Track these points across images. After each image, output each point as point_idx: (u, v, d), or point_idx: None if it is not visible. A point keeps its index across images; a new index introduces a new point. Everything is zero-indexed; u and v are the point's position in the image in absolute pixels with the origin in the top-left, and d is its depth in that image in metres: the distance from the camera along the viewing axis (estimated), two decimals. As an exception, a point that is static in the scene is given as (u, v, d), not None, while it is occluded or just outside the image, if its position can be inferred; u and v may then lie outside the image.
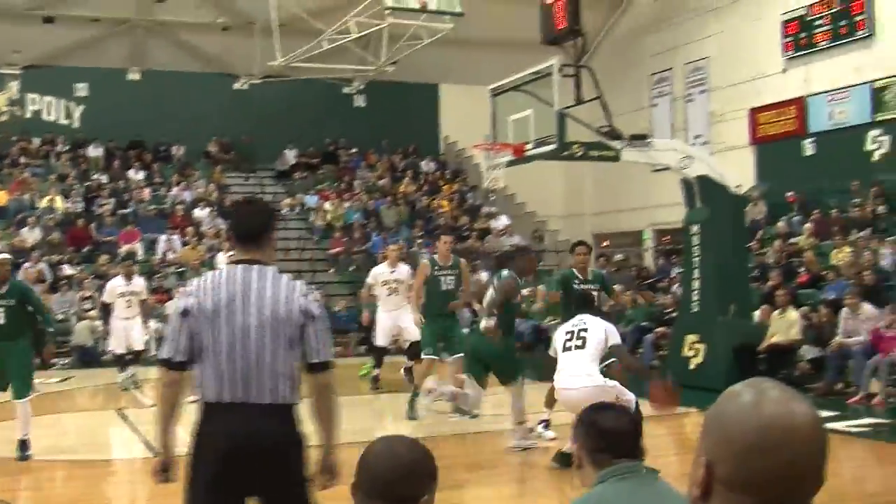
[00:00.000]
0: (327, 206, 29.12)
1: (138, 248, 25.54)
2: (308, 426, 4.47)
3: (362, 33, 26.40)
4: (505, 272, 10.52)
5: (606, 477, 3.26)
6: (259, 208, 4.92)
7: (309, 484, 4.41)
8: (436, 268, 12.96)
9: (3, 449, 10.18)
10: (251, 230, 4.60)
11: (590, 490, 3.27)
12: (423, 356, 12.81)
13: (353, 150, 32.52)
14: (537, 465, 9.95)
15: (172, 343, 4.41)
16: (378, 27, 25.91)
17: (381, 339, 15.53)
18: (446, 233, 16.51)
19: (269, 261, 4.56)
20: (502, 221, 28.85)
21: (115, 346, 16.57)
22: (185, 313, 4.39)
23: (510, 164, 19.35)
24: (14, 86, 30.13)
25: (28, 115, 30.35)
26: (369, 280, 15.68)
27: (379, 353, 15.87)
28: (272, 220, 4.78)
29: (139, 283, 16.82)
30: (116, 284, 16.44)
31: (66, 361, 20.77)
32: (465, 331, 12.83)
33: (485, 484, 9.51)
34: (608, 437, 3.37)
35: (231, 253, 22.53)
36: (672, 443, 11.33)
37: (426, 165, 32.77)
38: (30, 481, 9.45)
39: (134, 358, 16.55)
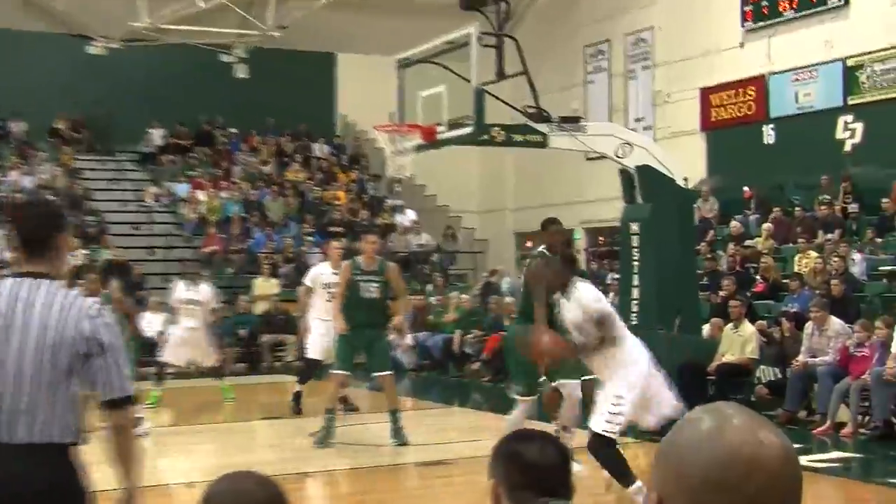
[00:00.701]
0: (201, 196, 29.00)
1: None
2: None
3: (245, -9, 26.32)
4: None
5: None
6: (44, 210, 4.90)
7: None
8: (357, 272, 13.04)
9: None
10: (32, 236, 4.52)
11: None
12: (333, 371, 13.20)
13: (233, 131, 32.42)
14: None
15: None
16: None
17: (314, 351, 15.45)
18: (370, 231, 16.70)
19: (54, 273, 4.47)
20: (409, 217, 28.91)
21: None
22: None
23: (419, 149, 19.34)
24: None
25: None
26: (307, 282, 15.79)
27: (310, 368, 15.85)
28: (60, 224, 4.70)
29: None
30: None
31: None
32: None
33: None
34: (532, 472, 3.29)
35: (83, 252, 22.24)
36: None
37: (319, 149, 32.72)
38: None
39: None
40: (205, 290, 17.25)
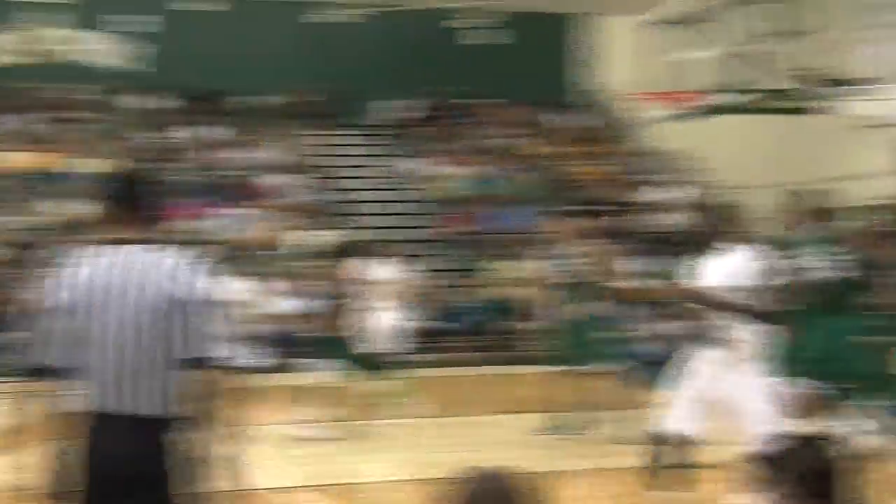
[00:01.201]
0: (438, 172, 29.39)
1: (198, 225, 25.94)
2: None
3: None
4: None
5: None
6: (144, 177, 5.12)
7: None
8: None
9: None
10: (136, 204, 4.85)
11: None
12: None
13: (474, 102, 32.45)
14: None
15: (40, 345, 4.65)
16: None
17: None
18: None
19: (150, 238, 4.80)
20: (673, 193, 28.30)
21: None
22: (56, 308, 4.61)
23: (684, 117, 19.30)
24: (64, 21, 30.88)
25: (79, 57, 30.89)
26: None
27: None
28: (157, 191, 5.04)
29: None
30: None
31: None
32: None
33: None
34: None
35: (321, 232, 22.76)
36: None
37: (571, 121, 32.59)
38: None
39: None
40: (391, 270, 16.78)
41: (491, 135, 31.55)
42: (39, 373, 4.62)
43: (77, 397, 4.59)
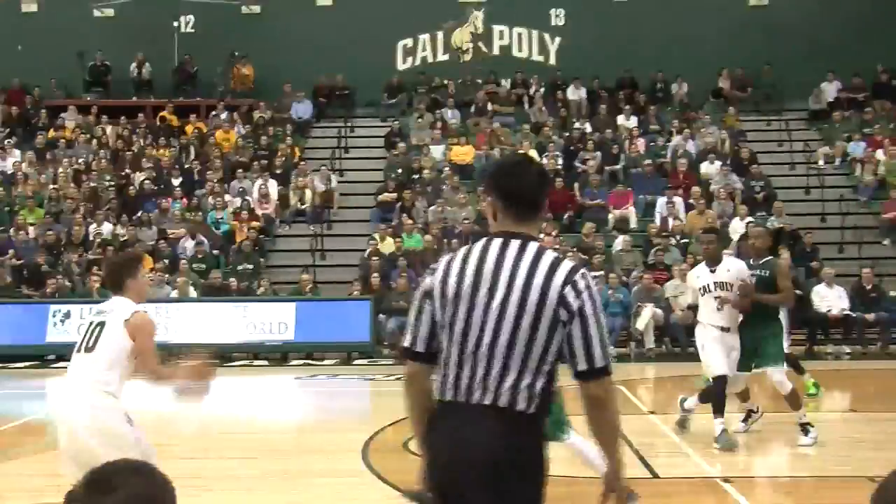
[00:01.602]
0: (880, 155, 28.77)
1: (632, 213, 26.92)
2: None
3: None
4: None
5: None
6: (535, 170, 4.99)
7: None
8: None
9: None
10: (523, 197, 4.77)
11: None
12: None
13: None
14: None
15: (413, 330, 4.73)
16: None
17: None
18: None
19: (534, 235, 4.75)
20: None
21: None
22: (426, 295, 4.69)
23: None
24: (478, 16, 32.77)
25: (495, 51, 32.85)
26: None
27: None
28: (547, 187, 5.08)
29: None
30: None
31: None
32: None
33: None
34: None
35: (749, 220, 22.89)
36: None
37: None
38: None
39: None
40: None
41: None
42: (411, 355, 4.68)
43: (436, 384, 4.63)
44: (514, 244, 4.59)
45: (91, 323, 7.71)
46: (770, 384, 12.38)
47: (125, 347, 7.35)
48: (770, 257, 12.53)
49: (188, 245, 24.98)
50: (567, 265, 4.58)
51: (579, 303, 4.48)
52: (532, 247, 4.60)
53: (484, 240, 4.68)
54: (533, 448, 4.54)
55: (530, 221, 4.73)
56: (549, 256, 4.59)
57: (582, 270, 4.60)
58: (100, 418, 7.20)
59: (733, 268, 12.12)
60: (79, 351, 7.59)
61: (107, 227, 25.39)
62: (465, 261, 4.62)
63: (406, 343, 4.74)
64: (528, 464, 4.52)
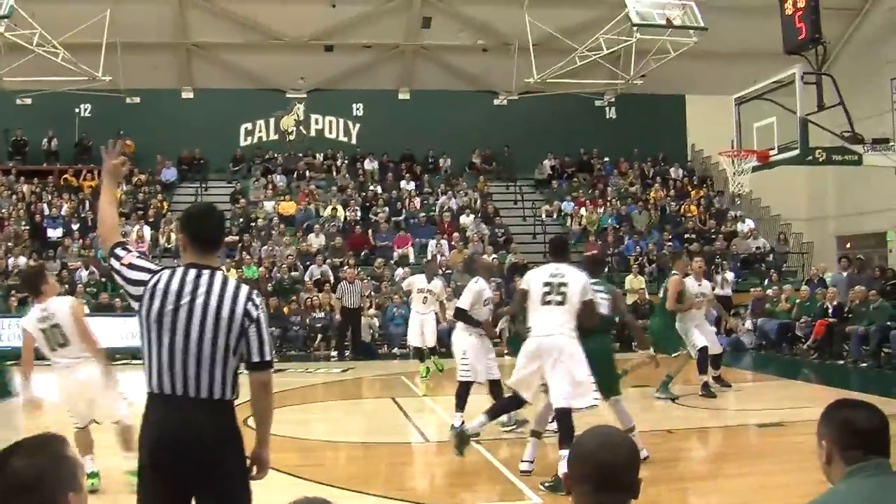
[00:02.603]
0: (583, 211, 29.64)
1: (410, 251, 27.07)
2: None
3: (612, 49, 26.92)
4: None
5: (855, 474, 3.10)
6: (219, 216, 4.86)
7: (244, 478, 4.51)
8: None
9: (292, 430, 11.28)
10: (211, 237, 4.68)
11: (837, 486, 3.16)
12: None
13: (606, 159, 32.98)
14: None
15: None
16: (626, 43, 26.33)
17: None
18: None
19: (215, 265, 4.64)
20: (748, 225, 28.62)
21: (411, 339, 17.32)
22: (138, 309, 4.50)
23: (755, 169, 19.49)
24: (300, 108, 32.61)
25: (312, 133, 32.71)
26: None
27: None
28: (223, 229, 5.02)
29: (437, 283, 17.10)
30: (417, 280, 17.27)
31: (348, 354, 22.11)
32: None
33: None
34: (862, 436, 3.15)
35: (494, 256, 23.17)
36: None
37: (674, 172, 32.78)
38: (315, 459, 10.16)
39: (429, 351, 16.86)
40: (436, 284, 16.84)
41: (621, 183, 31.81)
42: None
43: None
44: (204, 273, 4.50)
45: (45, 329, 8.18)
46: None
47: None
48: None
49: (83, 274, 24.24)
50: (245, 288, 4.55)
51: (257, 313, 4.47)
52: (218, 275, 4.52)
53: (179, 270, 4.53)
54: (233, 425, 4.43)
55: (212, 255, 4.62)
56: (231, 282, 4.54)
57: (255, 291, 4.60)
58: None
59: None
60: (54, 350, 8.23)
61: (22, 260, 24.44)
62: (167, 285, 4.47)
63: None
64: (233, 437, 4.41)
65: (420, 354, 16.92)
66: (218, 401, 4.38)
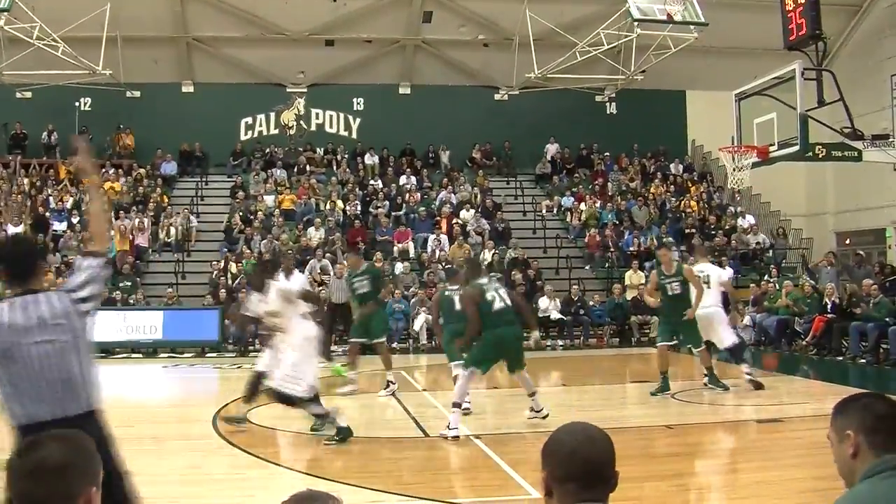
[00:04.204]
0: (583, 206, 29.64)
1: (410, 246, 27.09)
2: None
3: (613, 45, 26.92)
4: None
5: (874, 473, 2.85)
6: (28, 248, 4.87)
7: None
8: (661, 276, 14.03)
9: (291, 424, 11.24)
10: (26, 268, 4.61)
11: (857, 487, 2.88)
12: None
13: (606, 154, 32.91)
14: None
15: None
16: (627, 38, 26.34)
17: None
18: (664, 245, 16.68)
19: (39, 287, 4.61)
20: (748, 220, 28.61)
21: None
22: None
23: (755, 165, 19.45)
24: (300, 103, 32.54)
25: (313, 128, 32.65)
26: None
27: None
28: (38, 257, 4.85)
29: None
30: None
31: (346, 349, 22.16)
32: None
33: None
34: (886, 420, 2.94)
35: (494, 251, 23.09)
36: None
37: (674, 168, 32.76)
38: (311, 453, 10.18)
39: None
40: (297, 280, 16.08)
41: (621, 178, 31.74)
42: None
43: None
44: (37, 296, 4.47)
45: None
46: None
47: None
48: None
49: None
50: (63, 293, 4.55)
51: (85, 307, 4.54)
52: (42, 294, 4.51)
53: (18, 299, 4.46)
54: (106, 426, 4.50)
55: (35, 279, 4.58)
56: (51, 294, 4.54)
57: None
58: None
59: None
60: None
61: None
62: (11, 313, 4.41)
63: None
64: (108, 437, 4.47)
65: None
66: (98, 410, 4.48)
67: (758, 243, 27.89)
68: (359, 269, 14.94)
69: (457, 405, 10.68)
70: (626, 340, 23.85)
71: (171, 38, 30.22)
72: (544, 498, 2.77)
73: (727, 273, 17.31)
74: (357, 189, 29.75)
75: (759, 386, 13.77)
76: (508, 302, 10.99)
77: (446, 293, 13.29)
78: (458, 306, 12.44)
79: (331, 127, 32.73)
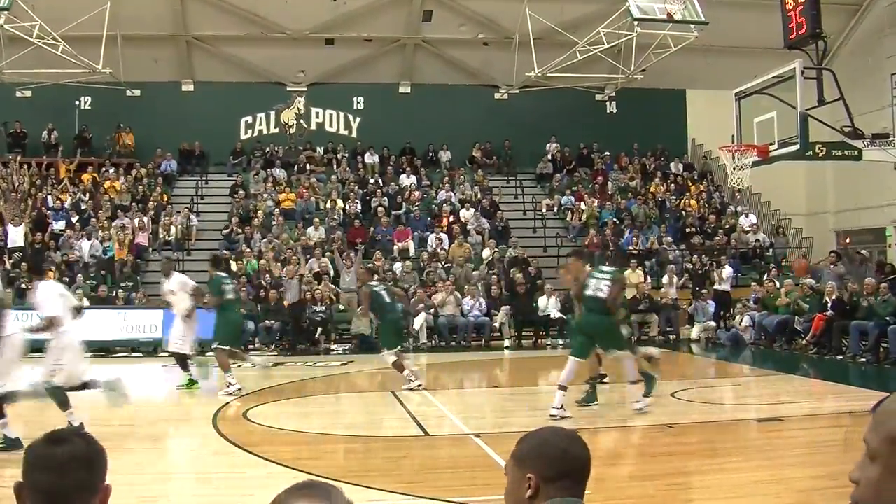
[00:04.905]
0: (583, 206, 29.64)
1: (410, 245, 27.05)
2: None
3: (613, 44, 26.90)
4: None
5: None
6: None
7: None
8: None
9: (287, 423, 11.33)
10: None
11: None
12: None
13: (606, 154, 32.91)
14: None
15: None
16: (627, 37, 26.33)
17: None
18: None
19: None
20: (749, 220, 28.58)
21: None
22: None
23: (755, 164, 19.45)
24: (300, 101, 32.53)
25: (313, 127, 32.63)
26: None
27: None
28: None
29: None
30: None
31: (347, 348, 22.23)
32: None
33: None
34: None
35: (495, 250, 23.05)
36: None
37: (675, 167, 32.77)
38: (311, 451, 10.15)
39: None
40: (176, 282, 15.98)
41: (621, 177, 31.75)
42: None
43: None
44: None
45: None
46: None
47: None
48: None
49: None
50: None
51: None
52: None
53: None
54: None
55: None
56: None
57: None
58: None
59: None
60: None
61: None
62: None
63: None
64: None
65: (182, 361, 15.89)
66: None
67: (757, 241, 27.88)
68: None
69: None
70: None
71: (172, 36, 30.23)
72: (526, 500, 2.75)
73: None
74: (357, 188, 29.74)
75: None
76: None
77: (375, 288, 15.10)
78: (387, 299, 14.90)
79: (331, 126, 32.72)
